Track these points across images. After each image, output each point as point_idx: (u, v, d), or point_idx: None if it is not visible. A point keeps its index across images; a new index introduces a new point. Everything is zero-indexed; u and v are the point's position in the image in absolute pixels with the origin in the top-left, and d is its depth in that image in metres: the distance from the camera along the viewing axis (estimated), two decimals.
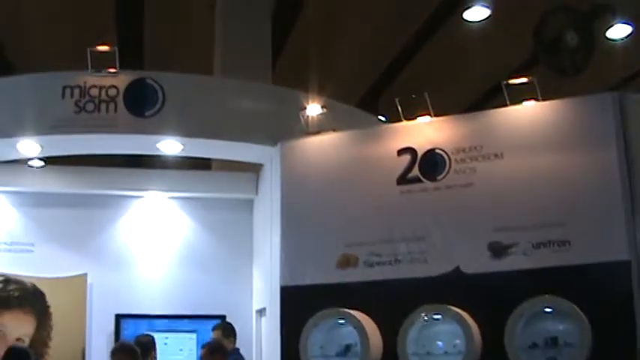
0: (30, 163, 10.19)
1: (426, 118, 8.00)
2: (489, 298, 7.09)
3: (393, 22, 13.59)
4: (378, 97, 15.73)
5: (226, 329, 8.94)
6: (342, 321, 7.53)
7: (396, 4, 13.00)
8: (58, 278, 9.81)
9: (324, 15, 13.16)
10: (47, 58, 12.54)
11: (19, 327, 9.69)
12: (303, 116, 8.72)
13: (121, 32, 13.46)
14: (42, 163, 10.29)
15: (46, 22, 13.43)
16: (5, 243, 10.10)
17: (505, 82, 7.61)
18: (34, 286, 9.78)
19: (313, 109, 8.78)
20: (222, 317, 9.66)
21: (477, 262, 7.25)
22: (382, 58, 14.94)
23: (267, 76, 12.23)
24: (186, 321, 10.06)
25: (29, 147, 9.14)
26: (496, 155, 7.47)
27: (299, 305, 7.92)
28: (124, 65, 9.00)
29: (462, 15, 11.75)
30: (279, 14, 12.91)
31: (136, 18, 13.40)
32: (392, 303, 7.47)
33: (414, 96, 8.11)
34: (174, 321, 10.04)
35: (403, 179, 7.82)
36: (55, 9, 13.15)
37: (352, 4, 13.10)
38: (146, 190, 10.35)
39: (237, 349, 8.88)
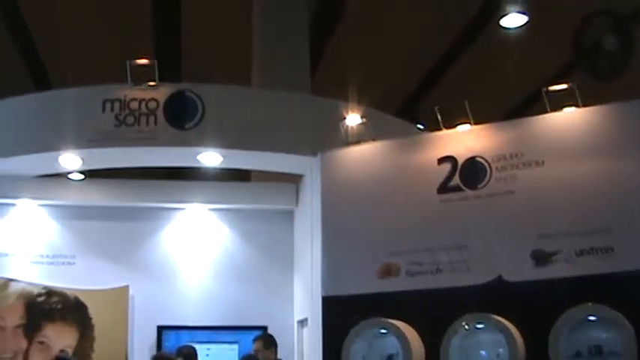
0: (69, 176, 10.52)
1: (466, 127, 8.07)
2: (532, 307, 7.09)
3: (431, 31, 13.72)
4: (416, 106, 15.83)
5: (267, 340, 9.04)
6: (384, 331, 7.57)
7: (433, 13, 13.12)
8: (100, 290, 10.08)
9: (361, 25, 13.32)
10: (85, 72, 12.84)
11: (62, 339, 9.97)
12: (343, 126, 8.84)
13: (158, 45, 13.72)
14: (81, 176, 10.59)
15: (83, 36, 13.75)
16: (47, 256, 10.41)
17: (545, 89, 7.64)
18: (76, 298, 10.06)
19: (353, 118, 8.90)
20: (264, 328, 9.85)
21: (520, 271, 7.26)
22: (420, 66, 15.06)
23: (305, 85, 12.42)
24: (227, 332, 10.21)
25: (70, 160, 9.45)
26: (537, 162, 7.48)
27: (341, 315, 7.95)
28: (162, 78, 9.23)
29: (499, 22, 11.84)
30: (316, 24, 13.07)
31: (173, 30, 13.66)
32: (434, 312, 7.50)
33: (445, 108, 8.18)
34: (216, 332, 10.20)
35: (444, 188, 7.86)
36: (92, 23, 13.47)
37: (389, 14, 13.24)
38: (187, 202, 10.55)
39: None
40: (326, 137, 8.88)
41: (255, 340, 9.07)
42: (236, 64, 13.51)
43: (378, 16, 13.26)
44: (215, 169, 10.13)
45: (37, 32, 13.67)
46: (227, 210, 10.60)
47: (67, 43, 13.96)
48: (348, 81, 9.66)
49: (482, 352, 7.29)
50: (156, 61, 9.00)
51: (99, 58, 13.78)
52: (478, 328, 7.21)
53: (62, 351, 9.82)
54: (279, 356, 9.01)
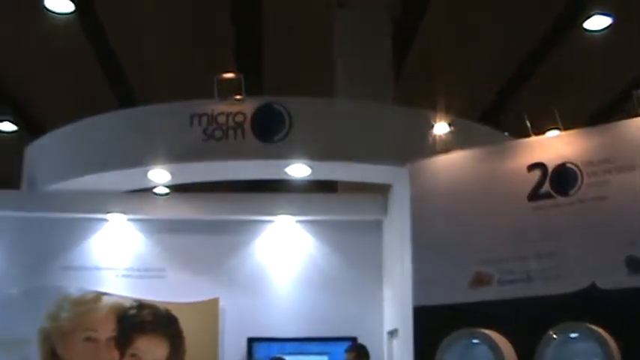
0: (155, 190, 11.00)
1: (555, 132, 8.17)
2: (627, 315, 7.10)
3: (513, 36, 13.76)
4: (499, 113, 15.89)
5: (361, 351, 9.23)
6: (476, 341, 7.66)
7: (515, 17, 13.16)
8: (190, 303, 10.45)
9: (442, 34, 13.45)
10: (168, 88, 13.34)
11: (153, 351, 10.38)
12: (431, 135, 9.06)
13: (240, 59, 14.07)
14: (167, 191, 11.07)
15: (165, 51, 14.18)
16: (138, 269, 10.88)
17: (635, 91, 7.64)
18: (167, 311, 10.46)
19: (441, 127, 9.12)
20: (354, 339, 10.06)
21: (614, 278, 7.25)
22: (502, 73, 15.09)
23: (388, 95, 12.63)
24: (317, 344, 10.46)
25: (159, 175, 9.90)
26: (630, 167, 7.49)
27: (432, 326, 8.07)
28: (246, 92, 9.61)
29: (582, 25, 11.88)
30: (398, 34, 13.27)
31: (254, 44, 13.98)
32: (526, 321, 7.55)
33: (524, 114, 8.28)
34: (306, 344, 10.45)
35: (534, 195, 7.92)
36: (174, 39, 13.91)
37: (471, 20, 13.33)
38: (275, 214, 10.87)
39: None
40: (414, 147, 9.08)
41: (347, 350, 9.28)
42: (318, 75, 13.80)
43: (460, 24, 13.39)
44: (301, 180, 10.45)
45: (121, 50, 14.14)
46: (315, 222, 10.89)
47: (150, 60, 14.40)
48: (434, 90, 9.85)
49: None
50: (242, 75, 9.36)
51: (182, 73, 14.21)
52: (572, 338, 7.23)
53: None
54: None
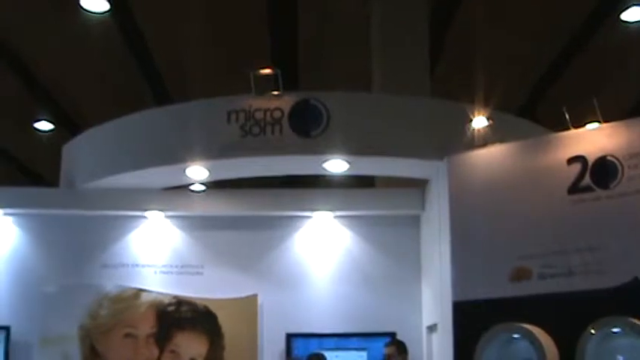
0: (191, 187, 11.13)
1: (595, 125, 8.16)
2: None
3: (549, 28, 13.74)
4: (536, 106, 15.84)
5: (399, 346, 9.31)
6: (517, 336, 7.67)
7: (551, 9, 13.14)
8: (229, 299, 10.54)
9: (479, 26, 13.43)
10: (203, 84, 13.44)
11: (192, 347, 10.45)
12: (469, 129, 9.10)
13: (275, 54, 14.15)
14: (203, 188, 11.19)
15: (200, 47, 14.31)
16: (176, 266, 11.01)
17: None
18: (206, 307, 10.54)
19: (479, 121, 9.15)
20: (392, 334, 10.06)
21: None
22: (540, 64, 15.06)
23: (426, 88, 12.65)
24: (355, 339, 10.49)
25: (197, 172, 10.00)
26: None
27: (472, 320, 8.13)
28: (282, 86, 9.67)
29: (619, 16, 11.83)
30: (435, 26, 13.29)
31: (289, 39, 14.06)
32: (568, 316, 7.55)
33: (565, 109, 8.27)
34: (344, 339, 10.50)
35: (574, 188, 7.92)
36: (209, 33, 14.02)
37: (507, 12, 13.32)
38: (313, 210, 10.93)
39: None
40: (452, 141, 9.13)
41: (386, 345, 9.37)
42: (354, 69, 13.85)
43: (496, 15, 13.37)
44: (339, 175, 10.48)
45: (156, 47, 14.28)
46: (353, 217, 10.94)
47: (184, 56, 14.53)
48: (471, 83, 9.87)
49: (620, 358, 7.28)
50: (279, 71, 9.44)
51: (217, 69, 14.31)
52: (614, 332, 7.24)
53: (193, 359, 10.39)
54: None
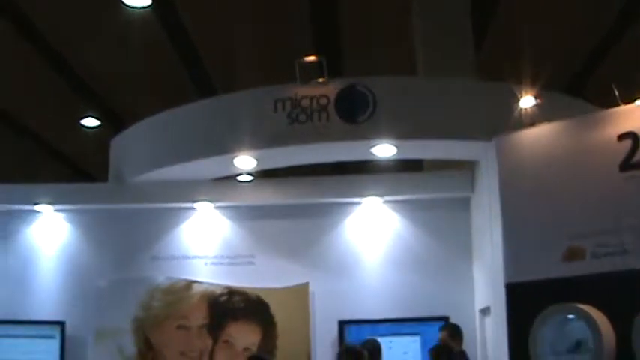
0: (239, 178, 11.23)
1: None
2: None
3: (597, 3, 13.61)
4: (584, 83, 15.70)
5: (453, 330, 9.31)
6: (571, 316, 7.62)
7: None
8: (280, 288, 10.66)
9: (523, 3, 13.35)
10: (247, 74, 13.52)
11: (245, 337, 10.61)
12: (517, 109, 9.07)
13: (318, 41, 14.16)
14: (250, 178, 11.28)
15: (242, 37, 14.36)
16: (227, 256, 11.15)
17: None
18: (257, 297, 10.69)
19: (527, 100, 9.11)
20: (445, 318, 10.13)
21: None
22: (587, 40, 14.91)
23: (471, 69, 12.56)
24: (408, 324, 10.54)
25: (245, 162, 10.10)
26: None
27: (525, 302, 8.07)
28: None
29: None
30: (478, 5, 13.21)
31: (332, 23, 14.07)
32: (622, 295, 7.46)
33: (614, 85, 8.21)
34: (397, 324, 10.55)
35: (626, 165, 7.80)
36: (250, 24, 14.07)
37: None
38: (362, 196, 10.99)
39: (464, 352, 9.19)
40: (500, 121, 9.08)
41: (440, 329, 9.39)
42: (397, 53, 13.83)
43: None
44: (386, 160, 10.54)
45: (198, 39, 14.37)
46: (402, 201, 10.98)
47: (227, 47, 14.59)
48: (517, 62, 9.81)
49: None
50: (324, 58, 9.49)
51: (260, 59, 14.38)
52: None
53: (246, 349, 10.46)
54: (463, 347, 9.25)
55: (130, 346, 10.83)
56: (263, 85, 10.17)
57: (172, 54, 14.82)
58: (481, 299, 10.40)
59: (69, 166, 19.13)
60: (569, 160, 8.31)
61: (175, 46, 14.59)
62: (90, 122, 16.81)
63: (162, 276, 11.08)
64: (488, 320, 10.13)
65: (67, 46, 14.28)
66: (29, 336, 11.19)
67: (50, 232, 11.64)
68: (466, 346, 9.48)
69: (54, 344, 11.01)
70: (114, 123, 16.12)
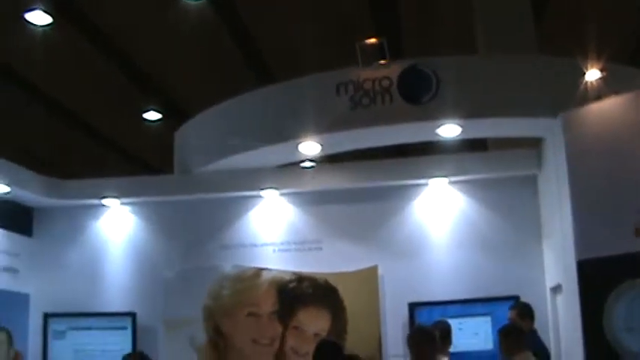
0: (302, 164, 11.33)
1: None
2: None
3: None
4: None
5: (522, 310, 9.24)
6: None
7: None
8: (349, 272, 10.70)
9: None
10: (305, 59, 13.55)
11: (315, 322, 10.63)
12: (582, 83, 9.00)
13: (377, 21, 14.16)
14: (312, 164, 11.37)
15: (300, 22, 14.42)
16: (295, 243, 11.27)
17: None
18: (326, 282, 10.71)
19: (591, 74, 9.05)
20: (516, 298, 10.07)
21: None
22: None
23: (532, 44, 12.45)
24: (479, 305, 10.51)
25: (310, 148, 10.18)
26: None
27: (597, 279, 8.07)
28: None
29: None
30: None
31: (390, 4, 14.05)
32: None
33: None
34: (468, 305, 10.53)
35: None
36: (308, 8, 14.11)
37: None
38: (428, 177, 10.99)
39: (535, 331, 9.15)
40: (565, 97, 9.05)
41: (510, 308, 9.35)
42: (457, 31, 13.79)
43: None
44: (449, 141, 10.49)
45: (255, 27, 14.46)
46: (468, 181, 10.97)
47: (285, 34, 14.67)
48: (580, 35, 9.74)
49: None
50: (385, 39, 9.52)
51: (319, 44, 14.40)
52: None
53: (316, 334, 10.53)
54: (534, 326, 9.20)
55: (201, 335, 10.98)
56: (323, 70, 10.20)
57: (230, 44, 14.96)
58: (552, 277, 10.34)
59: (133, 161, 19.43)
60: (638, 133, 8.26)
61: (233, 36, 14.73)
62: (152, 116, 17.07)
63: (230, 264, 11.22)
64: (560, 298, 10.07)
65: (128, 42, 14.50)
66: (102, 328, 11.47)
67: (118, 226, 11.90)
68: (538, 324, 9.45)
69: (126, 335, 11.27)
70: (175, 115, 16.32)
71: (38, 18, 12.29)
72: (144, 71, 15.59)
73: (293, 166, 11.45)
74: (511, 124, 9.72)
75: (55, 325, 11.56)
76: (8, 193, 10.97)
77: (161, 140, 15.48)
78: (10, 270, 11.44)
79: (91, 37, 13.97)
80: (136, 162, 19.43)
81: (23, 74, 14.64)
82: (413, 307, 10.63)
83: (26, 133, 16.52)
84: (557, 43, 11.34)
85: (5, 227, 11.41)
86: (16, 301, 11.46)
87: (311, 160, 11.50)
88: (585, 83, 9.06)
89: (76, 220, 11.99)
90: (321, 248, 11.17)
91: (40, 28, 12.68)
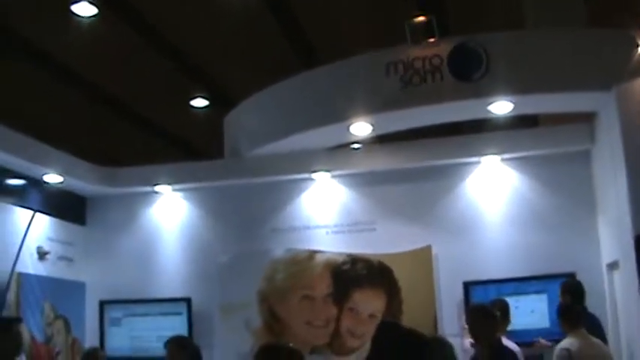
0: (352, 146, 11.41)
1: None
2: None
3: None
4: None
5: (571, 288, 9.16)
6: None
7: None
8: (403, 253, 10.77)
9: None
10: (351, 40, 13.58)
11: (370, 304, 10.56)
12: (635, 55, 8.95)
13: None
14: (359, 145, 11.44)
15: (345, 2, 14.45)
16: (347, 224, 11.39)
17: None
18: (380, 263, 10.70)
19: None
20: (571, 275, 10.05)
21: None
22: None
23: (580, 18, 12.24)
24: (534, 282, 10.49)
25: (361, 128, 10.27)
26: None
27: None
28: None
29: None
30: None
31: None
32: None
33: None
34: (523, 283, 10.51)
35: None
36: None
37: None
38: (480, 155, 11.02)
39: (585, 308, 8.94)
40: (618, 70, 9.02)
41: (560, 288, 9.30)
42: (503, 7, 13.71)
43: None
44: (500, 118, 10.42)
45: (300, 10, 14.49)
46: (521, 158, 10.96)
47: (329, 15, 14.68)
48: (631, 5, 9.67)
49: None
50: (434, 17, 9.55)
51: (365, 23, 14.42)
52: None
53: (371, 316, 10.64)
54: (587, 304, 9.08)
55: (256, 319, 11.14)
56: (370, 50, 10.26)
57: (275, 28, 15.00)
58: (608, 253, 10.29)
59: (182, 148, 19.59)
60: None
61: (278, 19, 14.76)
62: (199, 103, 17.22)
63: (283, 248, 11.37)
64: (617, 274, 10.04)
65: (172, 30, 14.60)
66: (158, 314, 11.70)
67: (171, 212, 12.12)
68: (594, 301, 9.47)
69: (182, 320, 11.53)
70: (222, 102, 16.44)
71: (84, 9, 12.47)
72: (190, 59, 15.70)
73: (344, 147, 11.52)
74: (563, 99, 9.68)
75: (111, 312, 11.85)
76: (62, 182, 11.21)
77: (208, 126, 15.63)
78: (66, 259, 11.72)
79: (136, 26, 14.09)
80: (184, 149, 19.59)
81: (70, 66, 14.83)
82: (468, 285, 10.67)
83: (75, 125, 16.75)
84: (606, 15, 11.25)
85: (59, 217, 11.68)
86: (73, 290, 11.77)
87: (357, 142, 11.56)
88: (638, 55, 9.00)
89: (129, 207, 12.25)
90: (374, 229, 11.26)
91: (86, 20, 12.85)
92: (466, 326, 7.68)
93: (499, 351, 7.44)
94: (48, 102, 15.41)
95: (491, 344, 7.37)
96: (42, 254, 11.12)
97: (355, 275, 10.81)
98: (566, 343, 7.81)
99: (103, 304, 11.87)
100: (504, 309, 8.81)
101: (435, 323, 10.63)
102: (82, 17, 12.70)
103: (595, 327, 8.72)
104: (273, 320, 10.99)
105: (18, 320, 9.11)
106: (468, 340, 8.18)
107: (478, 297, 10.35)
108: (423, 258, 10.81)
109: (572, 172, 10.79)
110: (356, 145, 11.67)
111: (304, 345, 9.87)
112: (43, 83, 14.81)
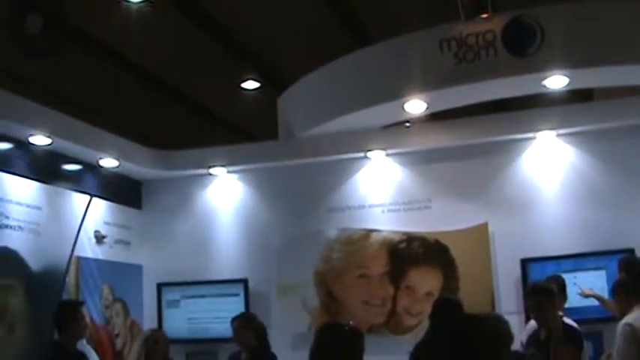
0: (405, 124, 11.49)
1: None
2: None
3: None
4: None
5: (627, 265, 9.08)
6: None
7: None
8: (459, 230, 10.88)
9: None
10: (400, 14, 13.58)
11: (427, 282, 10.91)
12: None
13: None
14: (408, 124, 11.50)
15: None
16: (403, 203, 11.46)
17: None
18: (436, 241, 10.94)
19: None
20: (631, 251, 9.99)
21: None
22: None
23: None
24: (593, 258, 10.43)
25: (416, 106, 10.34)
26: None
27: None
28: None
29: None
30: None
31: None
32: None
33: None
34: (581, 260, 10.47)
35: None
36: None
37: None
38: (534, 131, 10.98)
39: None
40: None
41: (618, 265, 9.27)
42: None
43: None
44: (554, 93, 10.42)
45: None
46: (576, 133, 10.88)
47: None
48: None
49: None
50: None
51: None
52: None
53: (428, 294, 10.75)
54: None
55: (313, 299, 11.33)
56: (421, 27, 10.30)
57: (325, 7, 15.07)
58: None
59: (234, 130, 19.75)
60: None
61: None
62: (250, 85, 17.36)
63: (339, 227, 11.53)
64: None
65: (222, 12, 14.73)
66: (215, 295, 11.91)
67: (226, 194, 12.31)
68: None
69: (239, 301, 11.70)
70: (273, 83, 16.58)
71: None
72: (240, 42, 15.84)
73: (397, 126, 11.59)
74: (620, 72, 9.60)
75: (168, 295, 12.08)
76: (117, 167, 11.44)
77: (260, 108, 15.78)
78: (122, 242, 11.97)
79: (186, 10, 14.25)
80: (236, 130, 19.75)
81: (123, 52, 15.05)
82: (525, 262, 10.66)
83: (128, 109, 16.99)
84: None
85: (115, 201, 11.92)
86: (130, 273, 12.02)
87: (408, 121, 11.62)
88: None
89: (184, 190, 12.45)
90: (430, 207, 11.32)
91: (136, 5, 13.03)
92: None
93: (562, 328, 7.54)
94: (103, 89, 15.64)
95: (552, 323, 7.46)
96: (99, 238, 11.37)
97: (411, 254, 11.01)
98: (630, 318, 7.79)
99: (160, 287, 12.11)
100: (561, 286, 8.86)
101: (492, 301, 10.69)
102: (133, 3, 12.86)
103: None
104: (330, 300, 11.22)
105: (82, 303, 9.37)
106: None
107: (536, 274, 10.35)
108: (479, 235, 10.86)
109: (629, 147, 10.68)
110: (407, 124, 11.75)
111: (361, 324, 9.81)
112: (98, 71, 15.04)
